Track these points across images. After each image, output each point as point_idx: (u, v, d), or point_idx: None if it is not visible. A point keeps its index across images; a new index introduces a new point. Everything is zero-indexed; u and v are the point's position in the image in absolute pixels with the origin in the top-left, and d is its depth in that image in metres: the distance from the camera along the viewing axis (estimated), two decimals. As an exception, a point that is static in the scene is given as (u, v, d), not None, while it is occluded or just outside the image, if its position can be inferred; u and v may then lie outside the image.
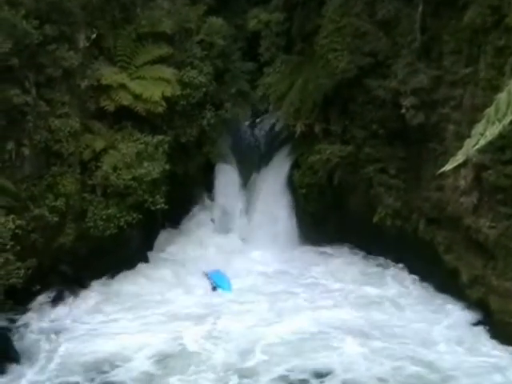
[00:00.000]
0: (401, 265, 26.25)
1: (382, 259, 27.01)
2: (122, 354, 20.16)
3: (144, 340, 20.89)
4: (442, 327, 21.73)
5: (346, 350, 20.21)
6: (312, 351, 20.25)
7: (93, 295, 24.03)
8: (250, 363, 19.66)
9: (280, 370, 19.29)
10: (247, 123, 30.67)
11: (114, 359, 19.92)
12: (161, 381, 19.08)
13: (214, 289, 25.01)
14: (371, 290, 24.72)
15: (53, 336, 21.20)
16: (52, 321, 22.21)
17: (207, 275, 25.73)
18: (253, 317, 22.49)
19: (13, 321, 21.40)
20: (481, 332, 21.15)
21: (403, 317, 22.63)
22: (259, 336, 20.98)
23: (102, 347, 20.60)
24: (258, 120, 30.82)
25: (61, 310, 22.80)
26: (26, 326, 21.54)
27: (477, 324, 21.59)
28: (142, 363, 19.74)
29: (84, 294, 23.96)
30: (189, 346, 20.66)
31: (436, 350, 20.31)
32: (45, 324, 21.96)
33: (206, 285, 25.31)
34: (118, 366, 19.62)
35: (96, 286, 24.46)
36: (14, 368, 19.46)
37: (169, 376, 19.19)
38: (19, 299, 21.23)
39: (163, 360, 19.98)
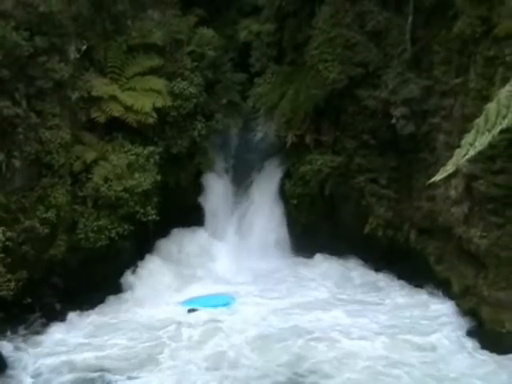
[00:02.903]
0: (393, 274, 25.99)
1: (374, 268, 26.84)
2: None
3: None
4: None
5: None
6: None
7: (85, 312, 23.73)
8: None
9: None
10: (238, 133, 30.55)
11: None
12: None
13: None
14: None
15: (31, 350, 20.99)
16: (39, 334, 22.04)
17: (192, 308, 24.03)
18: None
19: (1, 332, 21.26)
20: (471, 341, 21.08)
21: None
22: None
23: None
24: (249, 131, 30.73)
25: (52, 325, 22.59)
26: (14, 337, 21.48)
27: (468, 334, 21.51)
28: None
29: (73, 307, 23.54)
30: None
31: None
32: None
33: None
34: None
35: (86, 298, 24.17)
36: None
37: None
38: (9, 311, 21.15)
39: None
